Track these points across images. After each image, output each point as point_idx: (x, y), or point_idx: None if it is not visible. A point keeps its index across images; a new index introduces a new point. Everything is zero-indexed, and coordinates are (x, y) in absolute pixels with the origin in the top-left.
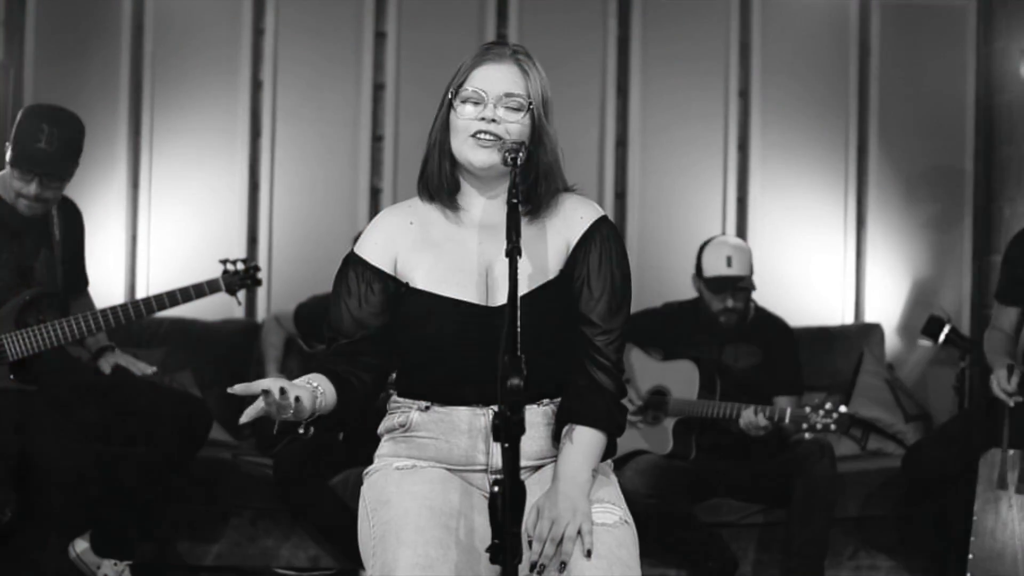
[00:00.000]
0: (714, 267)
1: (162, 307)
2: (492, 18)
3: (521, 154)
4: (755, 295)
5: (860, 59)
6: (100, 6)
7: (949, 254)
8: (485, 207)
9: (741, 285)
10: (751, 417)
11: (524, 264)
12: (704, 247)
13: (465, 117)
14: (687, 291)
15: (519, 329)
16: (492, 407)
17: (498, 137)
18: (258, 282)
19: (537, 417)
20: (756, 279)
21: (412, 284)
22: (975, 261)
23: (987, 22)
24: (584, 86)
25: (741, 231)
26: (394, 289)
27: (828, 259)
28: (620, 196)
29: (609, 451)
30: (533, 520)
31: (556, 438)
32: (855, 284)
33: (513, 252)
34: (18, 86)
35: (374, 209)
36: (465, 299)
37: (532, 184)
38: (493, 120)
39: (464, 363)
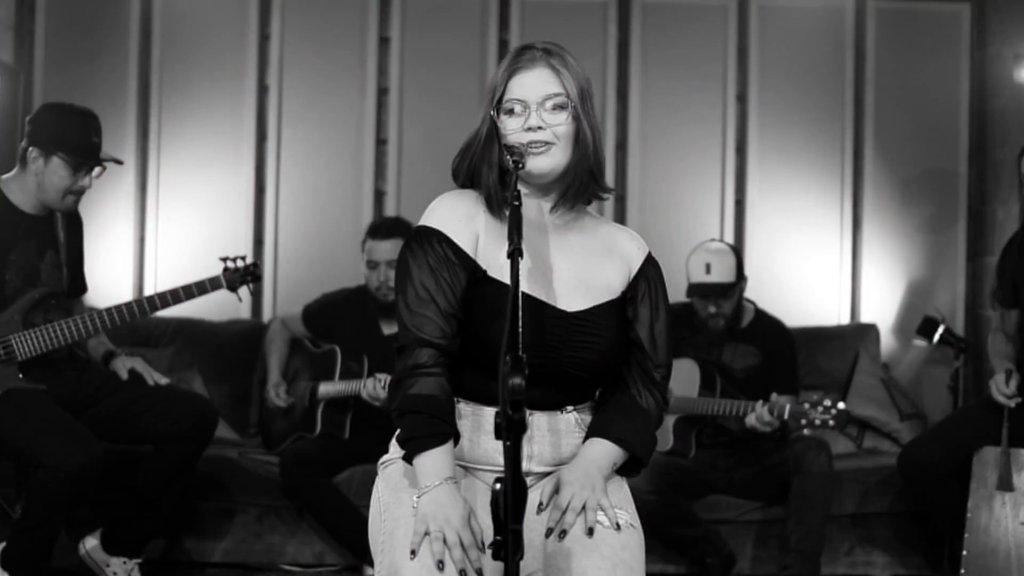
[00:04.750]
0: (694, 275)
1: (165, 304)
2: (494, 24)
3: (525, 158)
4: (752, 296)
5: (856, 64)
6: (109, 12)
7: (943, 255)
8: (540, 210)
9: (719, 291)
10: (761, 413)
11: (589, 277)
12: (690, 255)
13: (511, 130)
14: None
15: (584, 338)
16: (529, 411)
17: (548, 143)
18: (258, 278)
19: (561, 424)
20: (753, 280)
21: (491, 273)
22: (969, 262)
23: (981, 28)
24: None
25: (739, 233)
26: (471, 274)
27: (824, 260)
28: (620, 199)
29: (634, 471)
30: (550, 491)
31: (574, 445)
32: (851, 285)
33: (514, 254)
34: (28, 91)
35: (378, 212)
36: (542, 298)
37: (575, 176)
38: (540, 127)
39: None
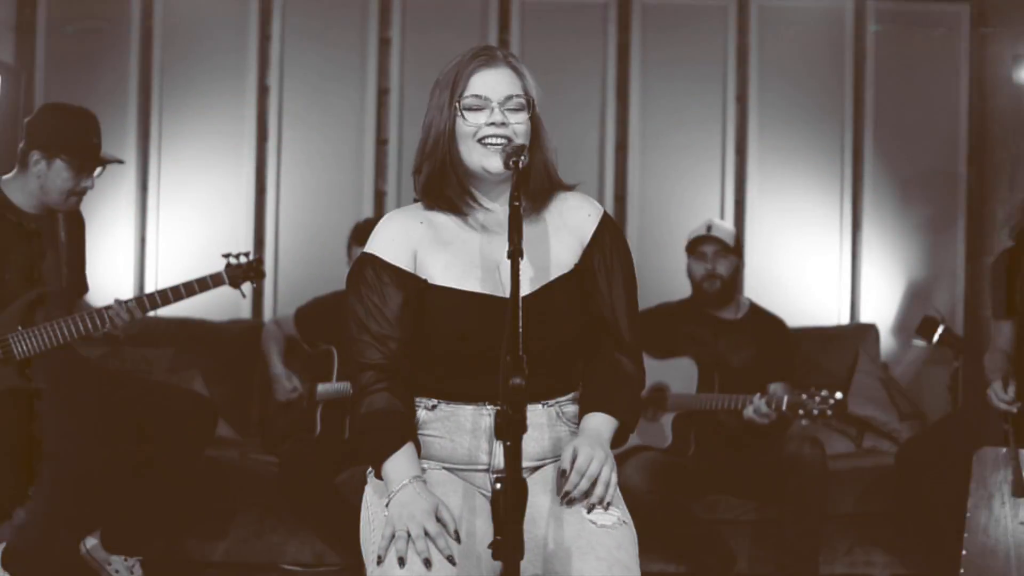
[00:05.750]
0: (695, 232)
1: (166, 301)
2: (494, 25)
3: (523, 157)
4: (752, 296)
5: (855, 64)
6: (110, 12)
7: (943, 256)
8: (489, 210)
9: (718, 244)
10: (759, 405)
11: (535, 259)
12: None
13: (473, 124)
14: (686, 292)
15: (534, 321)
16: (498, 405)
17: (508, 140)
18: (261, 274)
19: (541, 418)
20: (753, 280)
21: (431, 281)
22: (968, 262)
23: (981, 28)
24: (585, 91)
25: (739, 233)
26: (413, 287)
27: (824, 260)
28: (620, 199)
29: (620, 440)
30: (570, 456)
31: (559, 439)
32: (851, 285)
33: (515, 254)
34: (29, 90)
35: (379, 212)
36: (485, 292)
37: (540, 180)
38: (502, 124)
39: (482, 357)
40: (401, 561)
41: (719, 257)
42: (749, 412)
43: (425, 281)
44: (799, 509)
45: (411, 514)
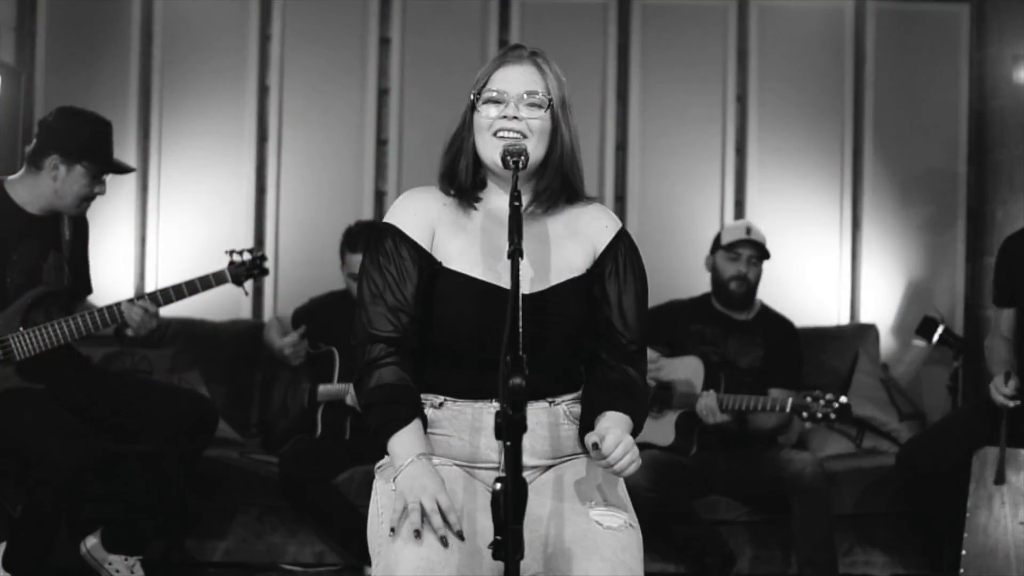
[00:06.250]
0: (734, 234)
1: (168, 300)
2: (494, 25)
3: (523, 157)
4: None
5: (855, 65)
6: (110, 13)
7: (943, 256)
8: (506, 202)
9: (758, 248)
10: (708, 400)
11: (545, 258)
12: (724, 227)
13: (488, 117)
14: (686, 292)
15: (542, 318)
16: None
17: (521, 134)
18: (265, 271)
19: (549, 416)
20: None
21: (446, 264)
22: (968, 263)
23: (980, 28)
24: (585, 91)
25: None
26: (427, 266)
27: (824, 260)
28: (620, 199)
29: None
30: (600, 435)
31: (567, 438)
32: (851, 285)
33: (514, 254)
34: (29, 91)
35: (379, 212)
36: (499, 284)
37: (550, 179)
38: (515, 117)
39: (488, 350)
40: (417, 533)
41: (753, 263)
42: (699, 406)
43: (440, 263)
44: (810, 525)
45: (423, 486)
